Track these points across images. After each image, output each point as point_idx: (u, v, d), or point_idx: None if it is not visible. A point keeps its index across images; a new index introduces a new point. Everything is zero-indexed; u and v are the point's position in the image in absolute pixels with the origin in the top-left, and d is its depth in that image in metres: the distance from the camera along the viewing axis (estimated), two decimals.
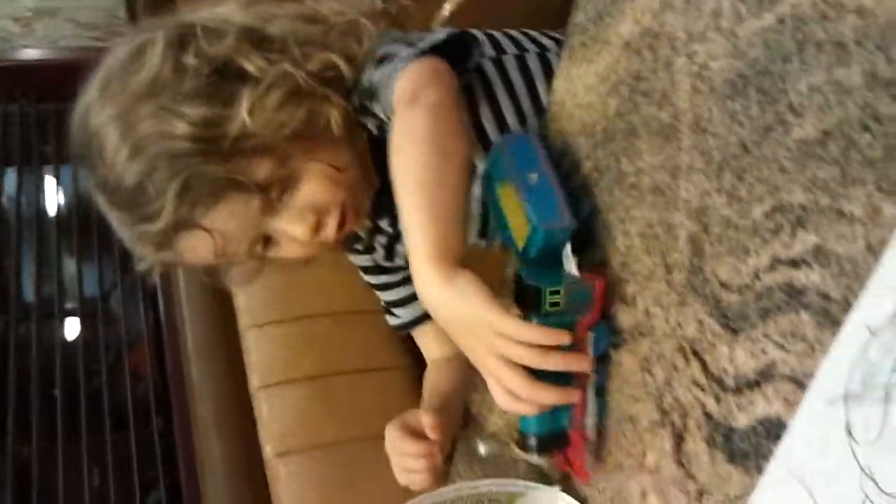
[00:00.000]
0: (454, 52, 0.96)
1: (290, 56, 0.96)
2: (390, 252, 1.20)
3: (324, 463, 1.60)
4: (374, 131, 1.04)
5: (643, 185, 0.73)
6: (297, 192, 0.96)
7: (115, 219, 0.97)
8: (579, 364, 0.77)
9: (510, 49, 1.10)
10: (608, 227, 0.79)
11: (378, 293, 1.29)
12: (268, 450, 1.64)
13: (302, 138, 0.95)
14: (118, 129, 0.92)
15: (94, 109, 0.94)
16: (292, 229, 0.97)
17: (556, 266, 0.78)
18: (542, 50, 1.12)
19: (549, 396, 0.76)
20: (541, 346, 0.75)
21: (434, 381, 1.23)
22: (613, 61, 0.78)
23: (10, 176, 2.78)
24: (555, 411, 0.81)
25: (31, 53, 2.91)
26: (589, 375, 0.79)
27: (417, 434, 1.02)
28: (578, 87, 0.84)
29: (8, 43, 2.87)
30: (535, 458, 0.84)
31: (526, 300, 0.78)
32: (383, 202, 1.12)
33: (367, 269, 1.27)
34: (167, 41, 0.94)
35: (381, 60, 0.97)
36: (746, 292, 0.61)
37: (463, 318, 0.77)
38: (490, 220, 0.88)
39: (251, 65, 0.94)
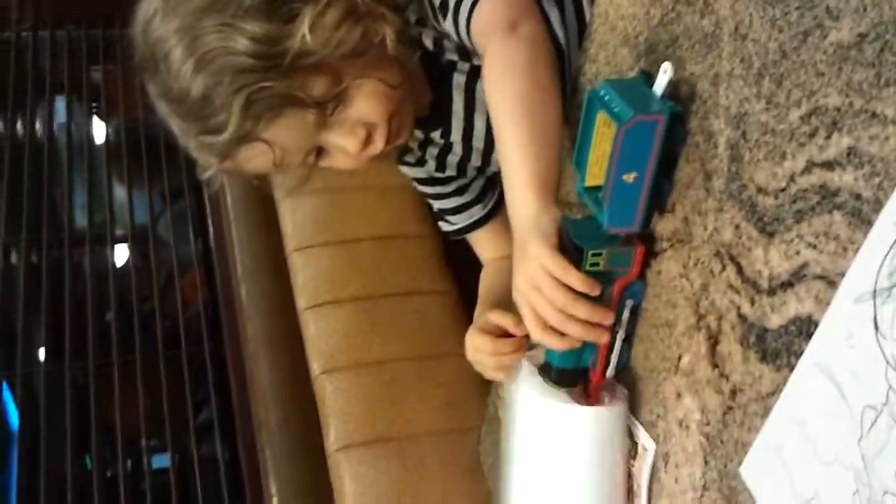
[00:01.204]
0: None
1: None
2: (442, 164, 1.22)
3: (368, 380, 1.64)
4: (430, 45, 1.07)
5: (684, 94, 0.74)
6: (349, 107, 0.99)
7: (178, 128, 1.00)
8: (602, 316, 0.83)
9: None
10: None
11: (431, 201, 1.33)
12: (315, 367, 1.68)
13: (357, 56, 0.97)
14: (183, 42, 0.93)
15: (157, 20, 0.96)
16: (343, 142, 1.00)
17: (602, 230, 0.80)
18: None
19: (575, 329, 0.82)
20: (573, 292, 0.80)
21: (491, 282, 1.27)
22: None
23: (60, 104, 2.81)
24: (580, 350, 0.86)
25: None
26: (608, 329, 0.84)
27: (502, 333, 1.06)
28: None
29: None
30: (553, 388, 0.89)
31: (568, 255, 0.81)
32: (435, 115, 1.15)
33: (419, 181, 1.30)
34: None
35: None
36: (782, 196, 0.63)
37: (527, 240, 0.84)
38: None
39: None
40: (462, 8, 0.97)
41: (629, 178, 0.76)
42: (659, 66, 0.73)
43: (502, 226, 1.23)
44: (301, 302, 1.80)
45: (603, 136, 0.76)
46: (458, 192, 1.27)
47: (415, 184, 1.32)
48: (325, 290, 1.78)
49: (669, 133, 0.74)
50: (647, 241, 0.82)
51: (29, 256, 2.38)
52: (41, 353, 2.24)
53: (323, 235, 1.86)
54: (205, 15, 0.93)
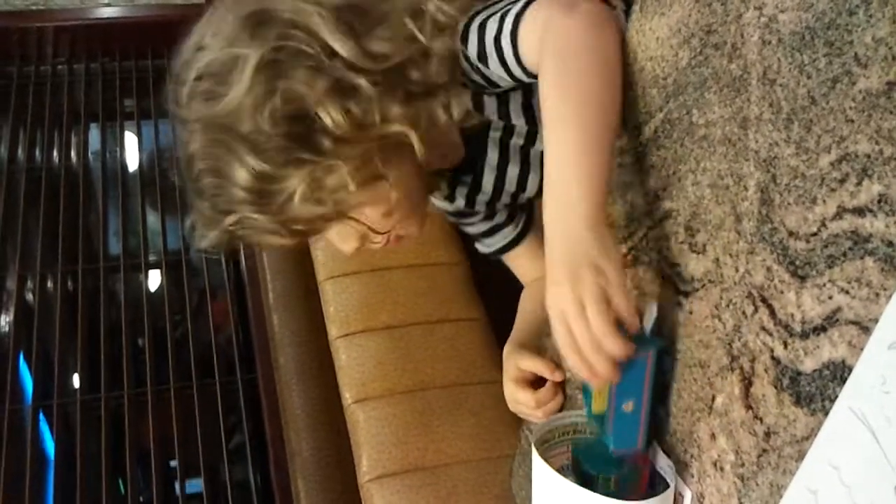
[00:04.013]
0: None
1: (371, 117, 0.93)
2: (471, 202, 1.22)
3: (401, 409, 1.65)
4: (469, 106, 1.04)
5: (713, 137, 0.75)
6: (359, 220, 0.99)
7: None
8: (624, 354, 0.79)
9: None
10: (679, 178, 0.81)
11: (463, 228, 1.33)
12: (347, 396, 1.69)
13: (356, 205, 0.97)
14: (197, 135, 0.95)
15: (185, 93, 0.96)
16: (338, 244, 1.03)
17: (610, 452, 0.87)
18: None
19: (600, 362, 0.78)
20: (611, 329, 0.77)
21: (530, 308, 1.26)
22: (685, 14, 0.79)
23: (94, 132, 2.86)
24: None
25: (111, 12, 2.98)
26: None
27: (538, 380, 1.06)
28: (650, 40, 0.86)
29: (89, 2, 2.95)
30: None
31: (580, 479, 0.89)
32: (468, 164, 1.15)
33: (448, 213, 1.30)
34: (258, 66, 0.91)
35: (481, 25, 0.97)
36: (813, 240, 0.63)
37: (583, 257, 0.79)
38: None
39: (330, 120, 0.91)
40: (504, 37, 0.93)
41: (628, 406, 0.85)
42: (686, 109, 0.74)
43: (538, 244, 1.23)
44: (333, 331, 1.81)
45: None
46: (488, 217, 1.28)
47: (444, 213, 1.33)
48: (357, 319, 1.80)
49: (659, 365, 0.84)
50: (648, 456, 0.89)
51: (65, 284, 2.41)
52: (76, 380, 2.26)
53: (354, 264, 1.88)
54: (219, 125, 0.93)
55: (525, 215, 1.28)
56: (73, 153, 2.79)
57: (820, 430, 0.63)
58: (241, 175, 0.92)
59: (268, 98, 0.90)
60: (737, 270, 0.73)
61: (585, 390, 0.88)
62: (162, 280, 2.53)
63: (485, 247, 1.32)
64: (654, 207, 0.86)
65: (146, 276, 2.51)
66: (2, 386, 2.12)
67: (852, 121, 0.58)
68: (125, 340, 2.27)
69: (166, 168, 2.68)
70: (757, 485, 0.72)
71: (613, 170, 0.86)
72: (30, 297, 2.41)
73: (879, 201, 0.56)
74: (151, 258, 2.54)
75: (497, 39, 0.94)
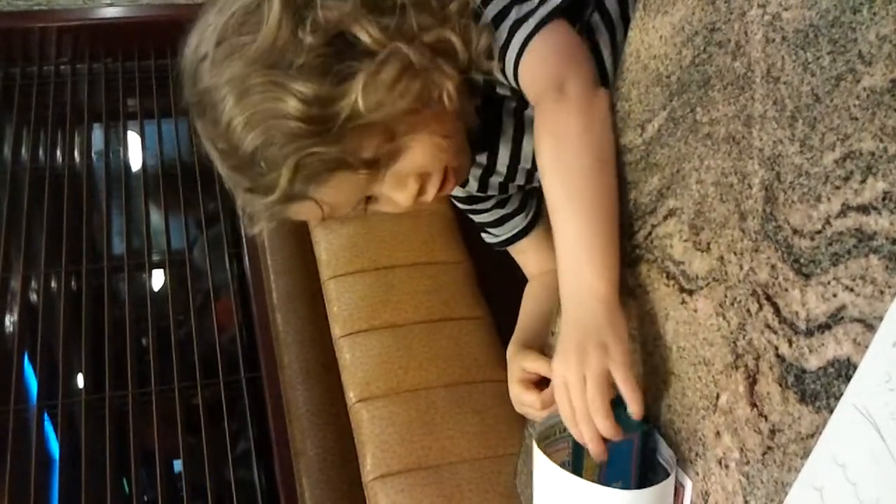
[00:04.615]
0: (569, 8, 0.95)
1: (408, 26, 0.93)
2: (484, 185, 1.21)
3: (404, 408, 1.65)
4: (481, 81, 1.03)
5: (717, 135, 0.75)
6: (402, 161, 0.96)
7: (226, 176, 0.98)
8: (612, 434, 0.85)
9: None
10: (683, 176, 0.81)
11: (472, 216, 1.32)
12: (351, 395, 1.69)
13: (413, 112, 0.94)
14: (232, 96, 0.91)
15: (207, 65, 0.93)
16: (395, 195, 0.99)
17: None
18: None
19: (587, 429, 0.85)
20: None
21: (533, 306, 1.26)
22: (688, 12, 0.79)
23: (97, 132, 2.86)
24: None
25: (114, 12, 2.98)
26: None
27: (544, 379, 1.06)
28: (653, 38, 0.86)
29: (92, 2, 2.95)
30: None
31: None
32: (483, 138, 1.12)
33: (458, 199, 1.29)
34: (284, 1, 0.90)
35: (495, 18, 0.96)
36: (818, 238, 0.63)
37: (594, 334, 0.85)
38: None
39: (368, 36, 0.91)
40: (508, 58, 0.94)
41: (616, 486, 0.88)
42: (690, 107, 0.74)
43: (545, 236, 1.23)
44: (336, 330, 1.81)
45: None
46: (499, 205, 1.27)
47: (453, 200, 1.32)
48: (360, 318, 1.80)
49: (644, 447, 0.89)
50: None
51: (69, 284, 2.42)
52: (80, 380, 2.27)
53: (357, 263, 1.88)
54: (255, 70, 0.90)
55: (535, 205, 1.27)
56: (76, 153, 2.79)
57: (825, 428, 0.63)
58: (295, 105, 0.88)
59: (303, 23, 0.89)
60: (741, 268, 0.73)
61: (576, 453, 0.91)
62: (166, 280, 2.53)
63: (492, 237, 1.32)
64: (659, 205, 0.86)
65: (150, 276, 2.51)
66: (7, 386, 2.12)
67: (856, 118, 0.58)
68: (129, 340, 2.27)
69: (169, 167, 2.69)
70: (762, 482, 0.72)
71: (618, 240, 0.90)
72: (34, 297, 2.41)
73: (884, 199, 0.56)
74: (155, 258, 2.54)
75: (502, 60, 0.95)
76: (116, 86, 2.87)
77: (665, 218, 0.85)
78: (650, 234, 0.88)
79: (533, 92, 0.94)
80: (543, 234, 1.27)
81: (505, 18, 0.95)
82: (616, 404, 0.84)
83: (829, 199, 0.61)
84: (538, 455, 0.91)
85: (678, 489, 0.86)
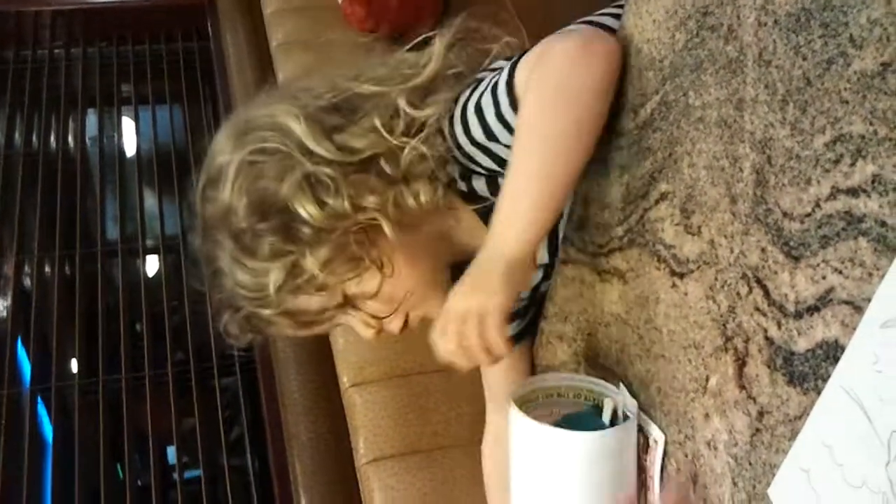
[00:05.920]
0: None
1: (346, 204, 0.98)
2: None
3: (398, 392, 1.65)
4: (463, 187, 1.05)
5: (709, 119, 0.75)
6: (357, 309, 1.04)
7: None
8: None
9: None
10: (675, 160, 0.81)
11: None
12: (344, 380, 1.69)
13: (354, 278, 1.01)
14: (203, 244, 1.06)
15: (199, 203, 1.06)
16: (356, 329, 1.06)
17: None
18: None
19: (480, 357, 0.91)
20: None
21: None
22: None
23: (92, 117, 2.86)
24: None
25: None
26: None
27: None
28: (647, 22, 0.86)
29: None
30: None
31: None
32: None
33: None
34: (237, 170, 0.99)
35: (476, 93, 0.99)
36: (807, 221, 0.63)
37: (489, 280, 0.88)
38: None
39: (304, 210, 0.97)
40: (501, 106, 0.94)
41: None
42: (682, 91, 0.74)
43: (525, 357, 1.26)
44: None
45: None
46: None
47: None
48: None
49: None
50: None
51: (63, 269, 2.42)
52: (73, 364, 2.27)
53: None
54: (217, 230, 1.02)
55: (532, 315, 1.24)
56: (70, 138, 2.79)
57: (813, 410, 0.64)
58: (237, 272, 1.00)
59: (247, 196, 0.98)
60: (731, 251, 0.73)
61: None
62: (160, 264, 2.53)
63: None
64: (651, 189, 0.86)
65: (144, 261, 2.51)
66: (0, 369, 2.13)
67: (847, 102, 0.58)
68: (123, 325, 2.28)
69: (163, 152, 2.69)
70: (750, 464, 0.72)
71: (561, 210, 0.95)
72: (27, 281, 2.41)
73: (873, 182, 0.56)
74: (149, 243, 2.54)
75: (497, 106, 0.95)
76: (111, 70, 2.87)
77: (657, 202, 0.85)
78: (642, 217, 0.89)
79: (530, 67, 0.92)
80: (523, 354, 1.26)
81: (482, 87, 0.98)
82: None
83: (818, 182, 0.62)
84: (515, 414, 0.92)
85: (651, 445, 0.87)
